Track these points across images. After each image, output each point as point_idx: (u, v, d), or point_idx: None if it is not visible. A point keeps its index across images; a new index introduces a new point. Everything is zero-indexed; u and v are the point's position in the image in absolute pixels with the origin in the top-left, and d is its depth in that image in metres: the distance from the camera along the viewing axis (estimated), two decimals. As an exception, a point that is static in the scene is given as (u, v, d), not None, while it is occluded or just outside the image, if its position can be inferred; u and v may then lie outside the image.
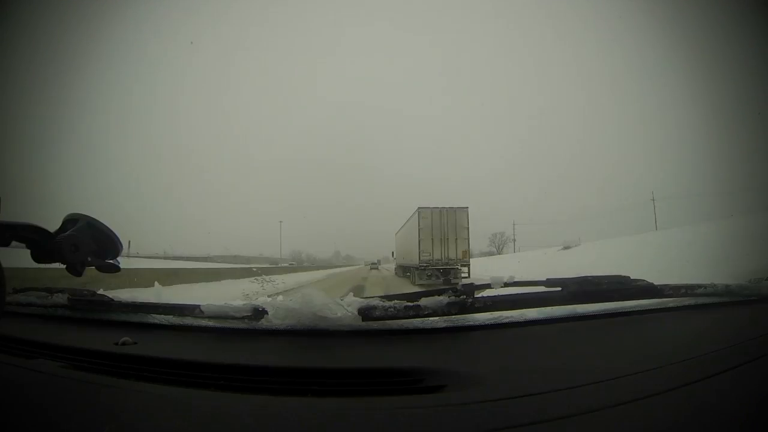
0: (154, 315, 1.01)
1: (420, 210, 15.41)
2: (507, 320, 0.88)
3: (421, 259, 14.83)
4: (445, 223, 15.16)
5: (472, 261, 15.71)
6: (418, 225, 15.29)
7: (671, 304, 0.98)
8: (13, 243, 0.61)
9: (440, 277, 14.63)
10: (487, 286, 0.93)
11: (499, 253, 51.60)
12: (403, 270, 22.18)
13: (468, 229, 15.25)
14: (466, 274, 15.13)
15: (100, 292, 1.18)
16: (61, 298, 1.13)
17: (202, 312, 0.92)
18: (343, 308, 0.84)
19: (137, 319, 1.03)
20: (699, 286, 0.98)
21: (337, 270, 43.34)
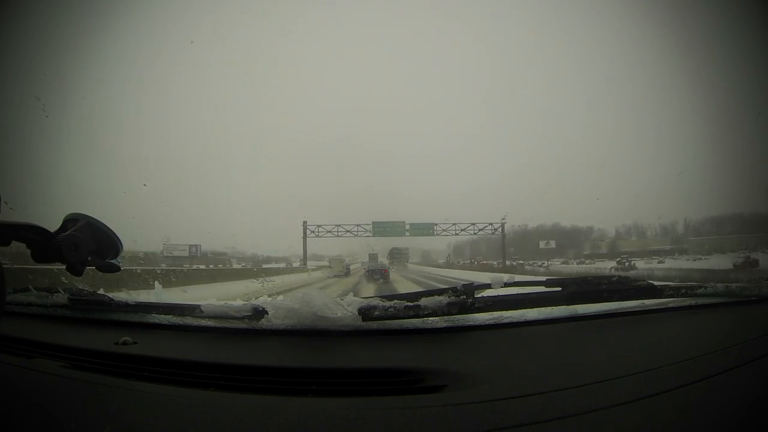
0: (154, 315, 1.00)
1: None
2: (507, 320, 0.88)
3: None
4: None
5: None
6: None
7: (671, 304, 0.98)
8: (13, 243, 0.61)
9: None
10: (488, 286, 0.94)
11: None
12: None
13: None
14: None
15: (100, 292, 1.18)
16: (61, 298, 1.13)
17: (202, 312, 0.92)
18: (343, 308, 0.84)
19: (137, 318, 1.03)
20: (699, 286, 0.98)
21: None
